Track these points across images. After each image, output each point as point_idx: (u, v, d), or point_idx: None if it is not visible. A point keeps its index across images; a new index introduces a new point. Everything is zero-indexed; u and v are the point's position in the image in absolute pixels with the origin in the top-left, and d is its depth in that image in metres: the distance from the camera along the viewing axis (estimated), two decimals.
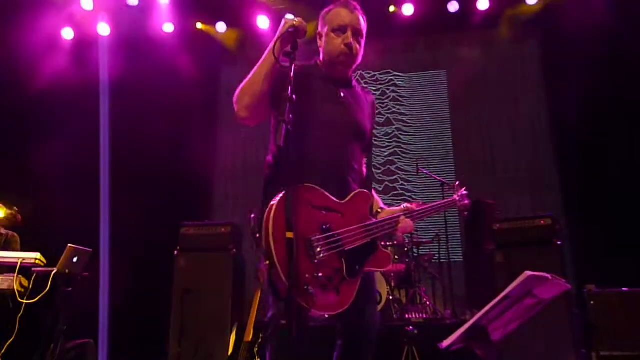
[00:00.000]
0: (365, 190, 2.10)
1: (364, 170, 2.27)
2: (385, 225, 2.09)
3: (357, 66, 2.27)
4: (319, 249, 1.86)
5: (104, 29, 6.79)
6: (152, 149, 6.43)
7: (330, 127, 2.09)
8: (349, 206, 2.01)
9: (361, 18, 2.19)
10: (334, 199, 1.98)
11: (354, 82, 2.29)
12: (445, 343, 1.94)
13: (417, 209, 2.19)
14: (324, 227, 1.92)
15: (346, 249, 1.93)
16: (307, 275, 1.82)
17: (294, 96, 1.78)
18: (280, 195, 1.85)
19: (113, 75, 6.58)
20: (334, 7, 2.21)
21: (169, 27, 6.97)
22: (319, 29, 2.24)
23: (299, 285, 1.77)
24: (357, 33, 2.15)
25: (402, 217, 2.13)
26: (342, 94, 2.18)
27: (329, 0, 2.29)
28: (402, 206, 2.20)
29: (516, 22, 6.92)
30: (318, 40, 2.25)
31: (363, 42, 2.20)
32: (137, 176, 6.35)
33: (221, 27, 7.15)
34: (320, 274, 1.84)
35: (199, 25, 7.21)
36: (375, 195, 2.27)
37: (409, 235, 5.77)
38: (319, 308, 1.82)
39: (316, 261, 1.85)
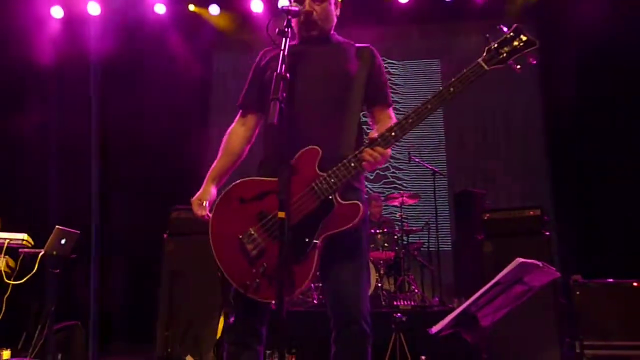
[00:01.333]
0: (310, 147, 1.87)
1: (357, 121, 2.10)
2: (342, 171, 1.83)
3: (332, 26, 2.18)
4: (249, 245, 1.87)
5: (94, 8, 6.67)
6: (143, 132, 6.37)
7: (302, 95, 1.96)
8: (290, 175, 1.84)
9: None
10: (270, 179, 1.91)
11: (336, 39, 2.19)
12: (435, 329, 1.95)
13: (384, 130, 1.85)
14: (259, 215, 1.90)
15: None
16: (253, 271, 1.85)
17: (287, 74, 1.75)
18: (220, 196, 1.96)
19: (103, 56, 6.48)
20: None
21: (160, 8, 6.87)
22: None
23: (244, 284, 1.84)
24: None
25: (366, 150, 1.83)
26: (323, 50, 2.10)
27: None
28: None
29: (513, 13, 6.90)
30: None
31: (328, 4, 2.11)
32: (128, 159, 6.30)
33: (214, 9, 7.06)
34: (263, 266, 1.84)
35: (192, 7, 7.11)
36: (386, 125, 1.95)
37: (399, 223, 5.79)
38: (271, 297, 1.82)
39: (250, 257, 1.86)
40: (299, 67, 1.97)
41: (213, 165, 2.20)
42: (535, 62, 1.79)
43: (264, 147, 2.14)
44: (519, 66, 1.80)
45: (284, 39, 1.84)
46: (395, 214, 6.06)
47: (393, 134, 1.84)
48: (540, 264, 1.74)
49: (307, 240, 1.82)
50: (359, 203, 1.85)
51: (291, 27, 1.88)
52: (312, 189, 1.84)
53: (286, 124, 1.71)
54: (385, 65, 8.39)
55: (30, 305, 4.27)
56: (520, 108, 7.05)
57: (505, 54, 1.79)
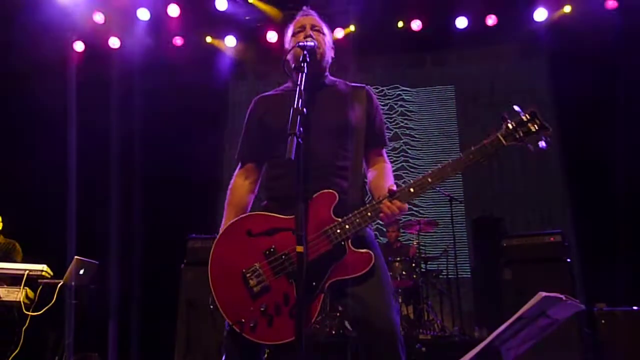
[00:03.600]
0: (328, 191, 1.89)
1: (362, 164, 2.12)
2: (357, 219, 1.85)
3: (330, 64, 2.21)
4: (252, 281, 1.83)
5: (114, 42, 6.86)
6: (161, 162, 6.45)
7: (316, 130, 1.97)
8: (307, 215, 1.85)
9: (317, 17, 2.20)
10: (282, 216, 1.89)
11: (330, 80, 2.20)
12: None
13: (404, 186, 1.88)
14: (267, 252, 1.86)
15: (295, 267, 1.78)
16: (251, 309, 1.80)
17: (304, 109, 1.74)
18: (222, 230, 1.93)
19: (123, 88, 6.62)
20: (291, 22, 2.24)
21: (178, 41, 7.04)
22: (285, 45, 2.23)
23: (240, 322, 1.78)
24: (315, 28, 2.14)
25: (385, 203, 1.85)
26: (322, 95, 2.10)
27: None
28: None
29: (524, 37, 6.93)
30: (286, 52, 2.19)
31: (326, 38, 2.17)
32: (147, 188, 6.37)
33: (230, 41, 7.21)
34: (265, 305, 1.79)
35: (209, 39, 7.27)
36: (383, 184, 2.02)
37: (418, 251, 5.73)
38: (268, 338, 1.78)
39: (252, 293, 1.82)
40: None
41: (223, 222, 2.12)
42: (545, 147, 1.87)
43: (267, 192, 2.11)
44: (532, 146, 1.88)
45: (300, 74, 1.85)
46: (413, 240, 6.01)
47: (412, 190, 1.87)
48: (563, 297, 1.70)
49: (314, 284, 1.79)
50: (370, 252, 1.85)
51: (307, 62, 1.90)
52: (325, 233, 1.84)
53: (311, 161, 1.73)
54: (399, 92, 8.44)
55: (48, 336, 4.27)
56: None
57: (521, 134, 1.87)
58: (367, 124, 2.13)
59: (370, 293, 1.87)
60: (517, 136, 1.87)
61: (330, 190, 1.89)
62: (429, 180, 1.87)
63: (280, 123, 1.90)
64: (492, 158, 1.83)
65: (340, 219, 1.86)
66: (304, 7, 2.25)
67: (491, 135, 1.89)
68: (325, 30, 2.21)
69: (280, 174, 2.05)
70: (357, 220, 1.85)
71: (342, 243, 1.84)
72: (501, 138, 1.88)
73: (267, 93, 2.25)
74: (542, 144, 1.86)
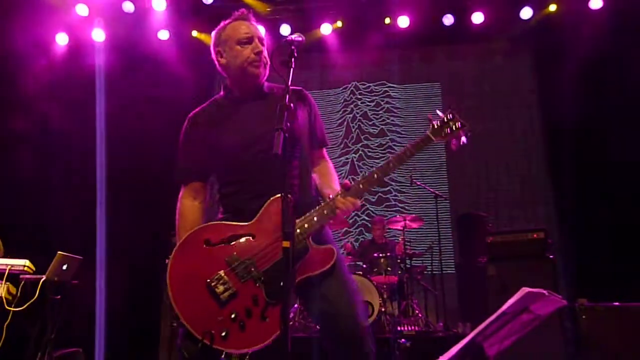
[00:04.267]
0: (277, 196, 1.88)
1: (309, 168, 2.15)
2: (314, 217, 1.89)
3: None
4: (219, 288, 1.80)
5: (99, 35, 6.76)
6: (146, 156, 6.39)
7: (240, 150, 1.99)
8: (261, 222, 1.89)
9: (254, 24, 2.17)
10: (241, 223, 1.89)
11: (267, 87, 2.16)
12: (442, 359, 1.92)
13: (354, 183, 1.96)
14: (229, 259, 1.85)
15: (260, 270, 1.83)
16: (219, 318, 1.77)
17: (291, 104, 1.76)
18: (183, 239, 1.90)
19: (108, 82, 6.54)
20: (229, 22, 2.16)
21: (164, 35, 6.96)
22: (215, 48, 2.16)
23: (210, 333, 1.74)
24: (261, 42, 2.11)
25: (338, 199, 1.92)
26: (260, 105, 2.08)
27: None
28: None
29: (510, 35, 6.98)
30: (219, 59, 2.16)
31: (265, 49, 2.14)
32: (133, 182, 6.31)
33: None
34: (235, 312, 1.77)
35: (195, 33, 7.20)
36: (330, 182, 2.14)
37: (404, 247, 5.77)
38: (244, 346, 1.76)
39: (220, 301, 1.79)
40: (244, 123, 2.03)
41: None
42: (466, 141, 2.13)
43: (222, 207, 2.08)
44: (454, 142, 2.13)
45: (287, 70, 1.85)
46: (398, 237, 6.04)
47: (361, 186, 1.97)
48: (546, 292, 1.73)
49: (282, 283, 1.74)
50: (333, 247, 1.92)
51: (295, 58, 1.89)
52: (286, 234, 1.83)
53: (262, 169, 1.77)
54: (385, 88, 8.48)
55: (31, 332, 4.22)
56: (520, 130, 7.09)
57: (447, 132, 2.10)
58: (307, 126, 2.15)
59: (334, 291, 1.90)
60: (443, 134, 2.10)
61: (279, 196, 1.86)
62: (375, 176, 1.98)
63: (229, 138, 1.98)
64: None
65: (297, 220, 1.89)
66: (243, 10, 2.18)
67: (422, 134, 2.12)
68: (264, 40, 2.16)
69: (233, 190, 2.04)
70: (315, 218, 1.90)
71: (304, 241, 1.88)
72: (430, 136, 2.09)
73: (199, 108, 2.23)
74: (463, 139, 2.12)
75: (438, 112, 2.14)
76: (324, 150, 2.29)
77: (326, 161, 2.27)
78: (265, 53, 2.11)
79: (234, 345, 1.76)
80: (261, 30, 2.18)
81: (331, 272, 1.90)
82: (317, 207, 1.92)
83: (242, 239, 1.87)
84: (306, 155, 2.13)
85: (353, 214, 7.21)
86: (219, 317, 1.77)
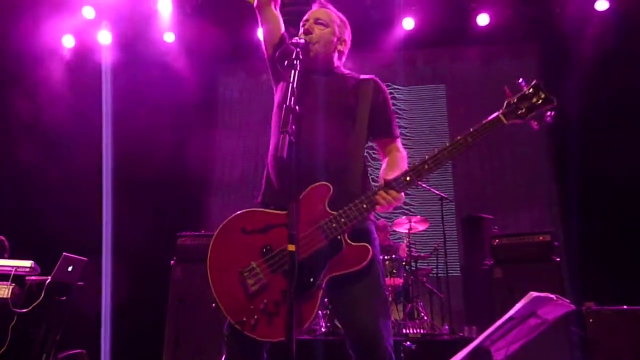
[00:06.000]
0: (321, 183, 1.84)
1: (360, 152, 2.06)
2: (353, 212, 1.80)
3: (339, 54, 2.23)
4: (250, 280, 1.81)
5: (105, 37, 6.78)
6: (152, 157, 6.41)
7: (307, 117, 1.93)
8: (299, 212, 1.82)
9: (326, 10, 2.20)
10: (278, 212, 1.87)
11: (337, 73, 2.19)
12: None
13: (399, 175, 1.81)
14: (264, 249, 1.84)
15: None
16: (251, 307, 1.79)
17: (296, 107, 1.74)
18: (221, 225, 1.89)
19: (114, 83, 6.57)
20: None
21: (169, 37, 6.97)
22: None
23: (241, 321, 1.77)
24: (317, 21, 2.15)
25: (380, 193, 1.81)
26: (326, 85, 2.09)
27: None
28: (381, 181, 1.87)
29: (515, 37, 6.96)
30: None
31: (332, 32, 2.17)
32: (138, 184, 6.33)
33: (220, 37, 7.15)
34: (264, 303, 1.78)
35: (199, 36, 7.20)
36: (394, 168, 1.97)
37: (408, 250, 5.75)
38: (270, 336, 1.77)
39: (250, 292, 1.80)
40: (303, 98, 1.94)
41: None
42: (551, 120, 1.79)
43: (266, 176, 2.09)
44: (536, 123, 1.81)
45: (292, 72, 1.84)
46: (403, 239, 6.01)
47: (408, 178, 1.81)
48: (554, 297, 1.71)
49: (311, 280, 1.77)
50: (368, 246, 1.81)
51: (300, 59, 1.89)
52: (320, 227, 1.81)
53: (295, 157, 1.68)
54: (390, 90, 8.43)
55: (36, 333, 4.22)
56: (526, 132, 7.05)
57: (524, 110, 1.79)
58: (370, 114, 2.08)
59: (360, 302, 1.86)
60: (520, 112, 1.79)
61: (323, 183, 1.85)
62: (426, 167, 1.80)
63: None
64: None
65: (335, 213, 1.81)
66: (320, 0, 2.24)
67: (491, 115, 1.80)
68: (334, 23, 2.19)
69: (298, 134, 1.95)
70: (353, 213, 1.80)
71: (339, 237, 1.80)
72: (502, 117, 1.80)
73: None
74: (548, 118, 1.80)
75: (520, 81, 1.85)
76: (397, 140, 2.18)
77: (398, 152, 2.13)
78: (322, 36, 2.13)
79: (262, 334, 1.78)
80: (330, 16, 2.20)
81: (364, 273, 1.82)
82: (357, 201, 1.81)
83: (278, 229, 1.83)
84: (361, 144, 2.05)
85: None
86: (251, 307, 1.80)
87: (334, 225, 1.80)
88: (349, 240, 1.82)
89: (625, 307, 4.19)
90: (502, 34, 6.85)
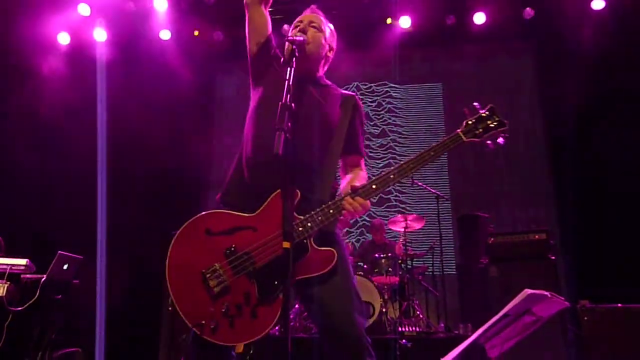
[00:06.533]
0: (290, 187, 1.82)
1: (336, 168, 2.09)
2: (319, 216, 1.83)
3: (325, 62, 2.24)
4: (212, 282, 1.79)
5: (100, 35, 6.76)
6: (147, 155, 6.40)
7: (299, 124, 1.93)
8: (265, 215, 1.84)
9: (318, 16, 2.22)
10: (244, 214, 1.86)
11: (323, 81, 2.22)
12: None
13: (366, 183, 1.87)
14: (228, 251, 1.83)
15: (257, 265, 1.80)
16: (211, 309, 1.77)
17: (292, 104, 1.72)
18: (184, 225, 1.87)
19: (109, 81, 6.55)
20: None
21: (166, 34, 6.96)
22: None
23: (200, 324, 1.75)
24: (311, 24, 2.16)
25: (346, 199, 1.84)
26: (311, 91, 2.11)
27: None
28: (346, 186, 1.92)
29: (512, 36, 6.97)
30: None
31: (323, 36, 2.18)
32: (134, 182, 6.32)
33: (218, 35, 7.15)
34: (225, 305, 1.76)
35: (196, 33, 7.20)
36: (358, 176, 2.08)
37: (405, 248, 5.75)
38: (230, 340, 1.76)
39: (212, 294, 1.78)
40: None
41: None
42: (502, 142, 1.91)
43: (232, 175, 2.07)
44: (490, 143, 1.92)
45: (288, 69, 1.83)
46: (399, 237, 6.02)
47: (374, 186, 1.87)
48: (548, 294, 1.71)
49: (276, 283, 1.77)
50: (333, 250, 1.83)
51: (295, 57, 1.88)
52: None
53: (291, 155, 1.67)
54: (387, 89, 8.43)
55: (31, 332, 4.21)
56: (522, 131, 7.06)
57: (481, 130, 1.91)
58: (349, 132, 2.13)
59: (333, 296, 1.85)
60: (477, 132, 1.91)
61: (292, 187, 1.84)
62: (392, 176, 1.87)
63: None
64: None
65: (302, 217, 1.84)
66: (312, 6, 2.27)
67: (452, 133, 1.92)
68: (326, 28, 2.22)
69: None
70: (320, 217, 1.83)
71: (305, 241, 1.82)
72: (461, 134, 1.91)
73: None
74: (500, 140, 1.92)
75: (475, 104, 1.96)
76: (362, 160, 2.23)
77: (361, 170, 2.20)
78: (316, 39, 2.14)
79: (222, 338, 1.76)
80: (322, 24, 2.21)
81: (330, 275, 1.84)
82: (323, 206, 1.85)
83: (243, 231, 1.83)
84: (336, 157, 2.08)
85: None
86: (211, 309, 1.77)
87: (300, 229, 1.82)
88: (314, 245, 1.83)
89: (619, 305, 4.21)
90: (499, 32, 6.86)
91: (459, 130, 1.92)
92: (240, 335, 1.75)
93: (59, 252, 4.22)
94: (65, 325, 4.34)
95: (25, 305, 4.00)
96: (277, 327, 1.87)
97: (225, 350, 1.87)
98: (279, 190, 1.85)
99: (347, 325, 1.83)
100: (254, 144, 2.03)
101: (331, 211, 1.84)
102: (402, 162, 1.88)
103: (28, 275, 4.14)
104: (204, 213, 1.90)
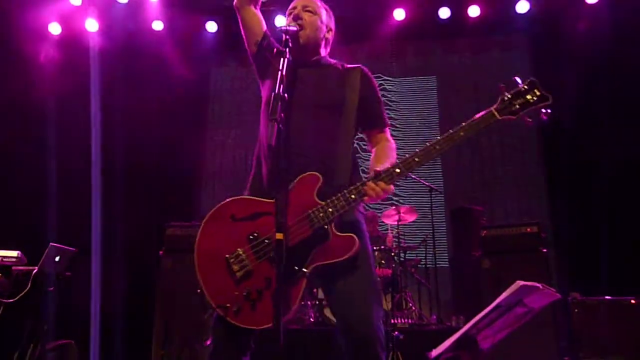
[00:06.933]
0: (311, 173, 1.85)
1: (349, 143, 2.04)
2: (341, 202, 1.81)
3: (326, 43, 2.22)
4: (235, 266, 1.83)
5: (92, 25, 6.69)
6: (141, 148, 6.37)
7: (295, 110, 1.94)
8: (288, 200, 1.82)
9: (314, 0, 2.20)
10: (266, 200, 1.87)
11: (324, 61, 2.21)
12: (435, 352, 1.92)
13: (389, 167, 1.81)
14: (251, 236, 1.85)
15: None
16: (235, 293, 1.80)
17: (285, 95, 1.72)
18: (211, 211, 1.90)
19: (102, 72, 6.49)
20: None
21: (158, 25, 6.90)
22: None
23: (224, 306, 1.79)
24: (305, 8, 2.14)
25: (368, 184, 1.81)
26: (314, 75, 2.10)
27: None
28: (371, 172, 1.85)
29: (506, 29, 6.97)
30: None
31: (320, 19, 2.17)
32: (128, 175, 6.28)
33: (211, 26, 7.09)
34: (247, 289, 1.80)
35: (189, 24, 7.14)
36: (383, 159, 1.99)
37: (396, 240, 5.77)
38: (252, 323, 1.79)
39: (235, 278, 1.82)
40: (291, 91, 1.93)
41: None
42: (546, 118, 1.79)
43: (256, 160, 2.10)
44: (530, 119, 1.81)
45: (282, 59, 1.83)
46: (392, 230, 6.04)
47: (398, 170, 1.81)
48: (540, 286, 1.73)
49: (296, 268, 1.78)
50: (355, 237, 1.81)
51: (289, 47, 1.88)
52: (308, 216, 1.82)
53: (285, 145, 1.68)
54: (381, 82, 8.42)
55: (23, 324, 4.20)
56: (515, 123, 7.04)
57: (518, 106, 1.80)
58: (359, 105, 2.08)
59: (352, 287, 1.85)
60: (513, 109, 1.80)
61: (313, 173, 1.86)
62: (416, 159, 1.80)
63: None
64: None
65: (323, 202, 1.82)
66: None
67: (485, 110, 1.81)
68: (321, 11, 2.20)
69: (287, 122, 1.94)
70: (341, 203, 1.81)
71: (325, 227, 1.81)
72: (495, 112, 1.81)
73: None
74: (543, 116, 1.81)
75: (516, 78, 1.83)
76: (386, 130, 2.18)
77: (387, 141, 2.14)
78: (311, 23, 2.13)
79: (244, 321, 1.80)
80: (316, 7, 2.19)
81: (352, 264, 1.83)
82: (345, 191, 1.82)
83: (266, 217, 1.83)
84: (350, 134, 2.04)
85: None
86: (235, 293, 1.81)
87: (321, 214, 1.81)
88: (335, 231, 1.82)
89: (609, 297, 4.26)
90: (493, 25, 6.86)
91: (492, 108, 1.81)
92: (260, 319, 1.78)
93: (51, 243, 4.20)
94: (58, 318, 4.33)
95: (17, 297, 3.98)
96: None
97: (247, 336, 1.90)
98: (301, 176, 1.86)
99: (363, 317, 1.83)
100: (265, 136, 2.04)
101: (353, 196, 1.82)
102: (428, 144, 1.81)
103: (20, 267, 4.12)
104: (229, 199, 1.93)
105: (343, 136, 2.01)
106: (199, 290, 1.86)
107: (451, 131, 1.79)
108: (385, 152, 2.06)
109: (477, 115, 1.78)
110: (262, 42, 2.18)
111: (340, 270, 1.84)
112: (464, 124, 1.79)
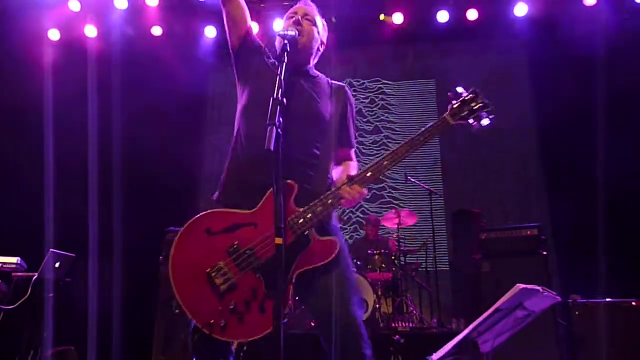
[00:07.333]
0: (287, 182, 1.86)
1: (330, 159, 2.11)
2: (318, 207, 1.85)
3: (316, 54, 2.24)
4: (218, 280, 1.80)
5: (91, 31, 6.70)
6: (140, 153, 6.36)
7: (292, 118, 1.94)
8: (264, 210, 1.84)
9: (312, 9, 2.22)
10: (242, 211, 1.87)
11: (313, 73, 2.23)
12: (435, 356, 1.92)
13: (361, 171, 1.91)
14: (230, 249, 1.83)
15: (261, 260, 1.81)
16: (219, 308, 1.77)
17: (284, 99, 1.72)
18: (184, 227, 1.86)
19: (101, 78, 6.50)
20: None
21: (157, 30, 6.91)
22: None
23: (209, 323, 1.75)
24: (306, 17, 2.16)
25: (343, 188, 1.87)
26: (303, 84, 2.11)
27: None
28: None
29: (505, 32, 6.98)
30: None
31: (316, 30, 2.19)
32: (126, 180, 6.28)
33: (210, 31, 7.11)
34: (233, 302, 1.77)
35: (188, 29, 7.15)
36: (349, 167, 2.13)
37: (398, 244, 5.77)
38: (241, 335, 1.79)
39: (219, 292, 1.79)
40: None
41: None
42: (488, 124, 2.02)
43: (227, 174, 2.08)
44: (475, 123, 2.01)
45: (280, 64, 1.83)
46: (392, 234, 6.03)
47: (369, 174, 1.90)
48: (540, 289, 1.73)
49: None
50: (335, 239, 1.86)
51: (287, 52, 1.88)
52: (287, 224, 1.82)
53: (282, 149, 1.67)
54: (380, 85, 8.43)
55: (23, 330, 4.19)
56: (514, 126, 7.08)
57: (466, 112, 1.98)
58: (340, 123, 2.16)
59: (332, 285, 1.86)
60: (462, 114, 1.98)
61: (289, 181, 1.87)
62: (385, 163, 1.91)
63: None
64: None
65: (301, 209, 1.86)
66: None
67: (438, 119, 2.00)
68: (319, 22, 2.23)
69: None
70: (319, 208, 1.85)
71: (306, 232, 1.83)
72: (448, 118, 1.98)
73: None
74: (485, 121, 2.01)
75: (459, 89, 2.02)
76: (352, 151, 2.26)
77: (352, 161, 2.23)
78: (309, 31, 2.14)
79: (232, 335, 1.78)
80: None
81: (333, 265, 1.86)
82: (322, 197, 1.87)
83: (244, 228, 1.84)
84: (329, 148, 2.10)
85: (347, 210, 7.20)
86: (219, 308, 1.78)
87: (300, 221, 1.84)
88: (316, 235, 1.85)
89: (609, 299, 4.25)
90: (492, 29, 6.87)
91: (445, 114, 1.99)
92: (249, 331, 1.77)
93: (51, 250, 4.20)
94: (58, 324, 4.32)
95: (17, 304, 3.97)
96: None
97: (228, 350, 1.90)
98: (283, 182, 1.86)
99: (345, 313, 1.85)
100: (248, 141, 2.04)
101: (329, 201, 1.87)
102: (394, 149, 1.93)
103: (19, 274, 4.12)
104: (201, 214, 1.90)
105: (325, 147, 2.07)
106: (177, 310, 1.82)
107: (413, 137, 1.95)
108: (351, 169, 2.15)
109: (434, 124, 1.98)
110: (245, 37, 2.20)
111: (319, 272, 1.86)
112: (423, 129, 1.96)
